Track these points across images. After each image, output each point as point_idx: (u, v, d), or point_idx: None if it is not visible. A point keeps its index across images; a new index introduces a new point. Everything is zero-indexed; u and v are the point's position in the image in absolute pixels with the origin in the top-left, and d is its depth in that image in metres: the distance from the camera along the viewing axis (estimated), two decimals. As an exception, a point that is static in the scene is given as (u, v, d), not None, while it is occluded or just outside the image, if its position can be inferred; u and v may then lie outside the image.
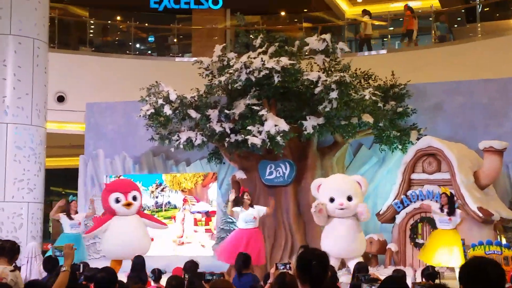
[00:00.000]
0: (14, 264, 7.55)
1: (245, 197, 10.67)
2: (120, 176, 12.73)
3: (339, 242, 10.28)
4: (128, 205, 10.76)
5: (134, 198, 10.92)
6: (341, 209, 10.30)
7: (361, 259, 9.93)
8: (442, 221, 9.83)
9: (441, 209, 9.84)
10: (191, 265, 7.60)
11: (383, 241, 11.30)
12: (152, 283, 7.60)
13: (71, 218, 10.69)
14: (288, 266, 5.70)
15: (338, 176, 11.11)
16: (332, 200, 10.44)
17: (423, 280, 7.63)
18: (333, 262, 9.70)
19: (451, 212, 9.81)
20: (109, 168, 13.55)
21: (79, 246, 10.08)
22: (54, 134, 14.87)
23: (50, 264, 7.86)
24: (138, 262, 8.25)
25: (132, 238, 10.67)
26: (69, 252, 4.84)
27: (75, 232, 10.59)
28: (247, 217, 10.55)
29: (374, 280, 5.64)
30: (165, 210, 12.60)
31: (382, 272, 9.18)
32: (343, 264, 10.71)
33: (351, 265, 9.51)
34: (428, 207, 10.22)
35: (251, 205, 10.67)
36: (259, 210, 10.69)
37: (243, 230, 10.58)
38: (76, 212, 10.86)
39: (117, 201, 10.83)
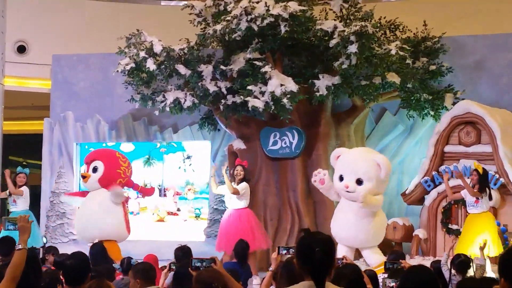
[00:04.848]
0: None
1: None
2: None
3: (346, 229, 10.14)
4: (83, 177, 10.47)
5: (94, 170, 10.50)
6: (347, 191, 10.06)
7: (376, 250, 9.77)
8: (469, 204, 9.59)
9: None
10: (183, 254, 7.34)
11: (409, 226, 11.30)
12: (121, 275, 7.38)
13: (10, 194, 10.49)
14: (291, 250, 5.60)
15: (359, 151, 10.86)
16: (341, 178, 10.20)
17: (454, 269, 7.62)
18: (345, 251, 9.51)
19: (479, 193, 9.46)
20: (79, 134, 13.44)
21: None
22: (13, 92, 15.13)
23: (6, 246, 7.63)
24: (94, 253, 7.87)
25: (88, 218, 10.30)
26: (24, 226, 4.47)
27: (15, 210, 10.25)
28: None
29: (397, 274, 5.47)
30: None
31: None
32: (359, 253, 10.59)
33: (365, 255, 9.38)
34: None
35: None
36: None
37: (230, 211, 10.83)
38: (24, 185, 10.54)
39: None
